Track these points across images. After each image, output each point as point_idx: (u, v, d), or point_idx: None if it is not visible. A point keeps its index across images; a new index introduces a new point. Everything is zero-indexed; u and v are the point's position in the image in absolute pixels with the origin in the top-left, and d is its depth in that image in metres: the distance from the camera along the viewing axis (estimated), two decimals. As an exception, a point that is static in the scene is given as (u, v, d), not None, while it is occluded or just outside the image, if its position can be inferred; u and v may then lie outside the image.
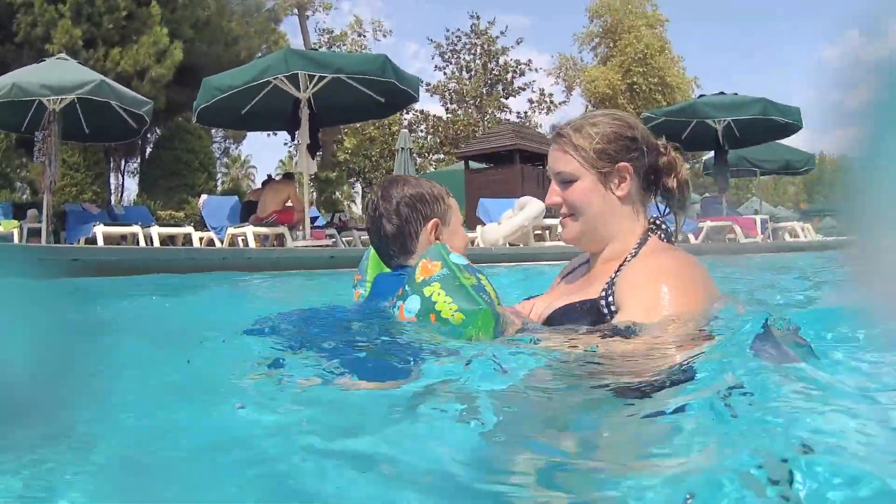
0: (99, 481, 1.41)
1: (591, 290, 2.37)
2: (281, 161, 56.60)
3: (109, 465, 1.49)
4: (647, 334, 2.07)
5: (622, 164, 2.41)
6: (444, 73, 46.25)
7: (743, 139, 19.31)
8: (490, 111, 45.30)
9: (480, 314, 2.23)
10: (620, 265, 2.38)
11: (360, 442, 1.49)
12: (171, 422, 1.74)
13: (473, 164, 26.26)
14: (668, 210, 2.58)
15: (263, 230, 13.66)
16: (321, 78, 13.04)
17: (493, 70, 45.49)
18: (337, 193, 35.63)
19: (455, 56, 46.06)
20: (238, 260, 9.21)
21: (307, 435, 1.55)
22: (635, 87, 47.48)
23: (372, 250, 2.98)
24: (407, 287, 2.34)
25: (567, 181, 2.45)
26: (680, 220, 2.59)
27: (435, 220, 2.76)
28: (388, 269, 2.88)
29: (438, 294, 2.25)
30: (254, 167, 66.75)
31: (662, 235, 2.49)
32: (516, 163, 23.98)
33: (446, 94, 45.68)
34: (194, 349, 2.45)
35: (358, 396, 1.82)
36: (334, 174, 34.31)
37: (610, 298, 2.29)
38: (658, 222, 2.52)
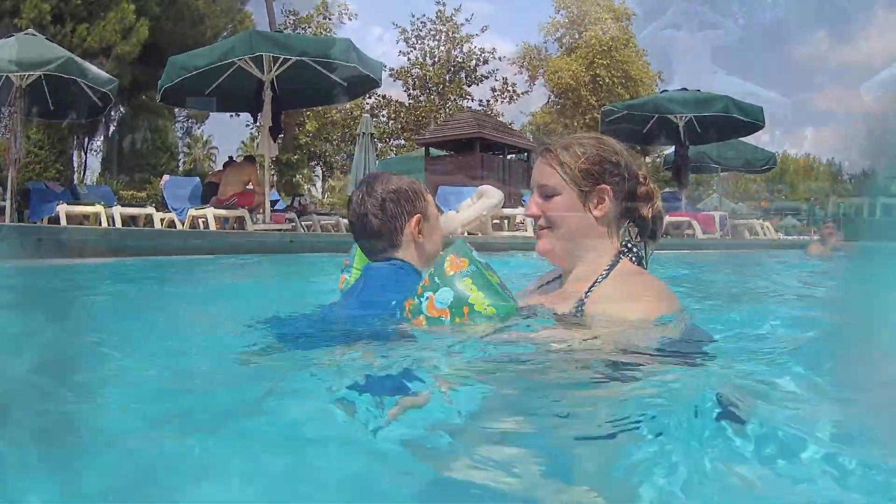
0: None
1: (561, 309, 2.48)
2: (242, 143, 56.03)
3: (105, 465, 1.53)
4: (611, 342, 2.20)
5: (603, 185, 2.52)
6: (408, 59, 46.06)
7: (704, 136, 19.43)
8: (452, 98, 45.20)
9: (509, 308, 2.42)
10: (591, 286, 2.48)
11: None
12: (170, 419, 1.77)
13: (434, 151, 26.29)
14: (638, 237, 2.67)
15: (224, 212, 13.66)
16: (285, 60, 13.11)
17: (457, 57, 45.37)
18: (298, 176, 35.45)
19: (420, 42, 45.91)
20: (198, 243, 9.25)
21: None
22: (599, 79, 47.35)
23: None
24: (437, 279, 2.47)
25: (549, 195, 2.56)
26: (650, 249, 2.69)
27: (418, 215, 2.87)
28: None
29: (471, 289, 2.41)
30: (215, 148, 65.87)
31: (633, 258, 2.60)
32: (476, 151, 24.05)
33: (409, 79, 45.49)
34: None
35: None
36: (295, 157, 34.14)
37: (580, 317, 2.41)
38: (630, 245, 2.62)
